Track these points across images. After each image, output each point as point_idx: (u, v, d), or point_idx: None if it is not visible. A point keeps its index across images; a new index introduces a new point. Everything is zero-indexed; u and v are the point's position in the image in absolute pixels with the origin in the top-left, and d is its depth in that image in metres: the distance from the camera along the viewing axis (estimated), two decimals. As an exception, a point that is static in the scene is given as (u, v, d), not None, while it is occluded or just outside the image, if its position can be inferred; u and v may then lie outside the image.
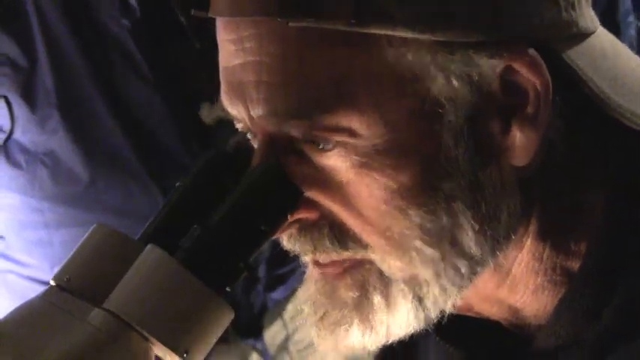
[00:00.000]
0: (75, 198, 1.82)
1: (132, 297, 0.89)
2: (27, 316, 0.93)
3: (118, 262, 0.92)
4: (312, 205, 0.91)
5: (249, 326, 1.92)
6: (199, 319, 0.89)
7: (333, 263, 0.93)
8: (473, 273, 0.90)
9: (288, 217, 0.92)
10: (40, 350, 0.88)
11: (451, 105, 0.85)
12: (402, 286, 0.90)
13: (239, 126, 0.95)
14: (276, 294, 2.03)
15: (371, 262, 0.91)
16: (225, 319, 0.91)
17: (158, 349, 0.89)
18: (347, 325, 0.93)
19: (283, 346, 2.06)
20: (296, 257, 1.01)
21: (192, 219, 0.94)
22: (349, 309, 0.92)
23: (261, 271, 1.95)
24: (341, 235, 0.90)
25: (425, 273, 0.89)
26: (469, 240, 0.88)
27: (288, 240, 0.95)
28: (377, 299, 0.91)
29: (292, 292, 2.08)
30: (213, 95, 1.75)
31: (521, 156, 0.88)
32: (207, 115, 1.83)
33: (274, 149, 0.91)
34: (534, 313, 0.95)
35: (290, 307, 2.07)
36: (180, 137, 1.82)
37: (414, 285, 0.89)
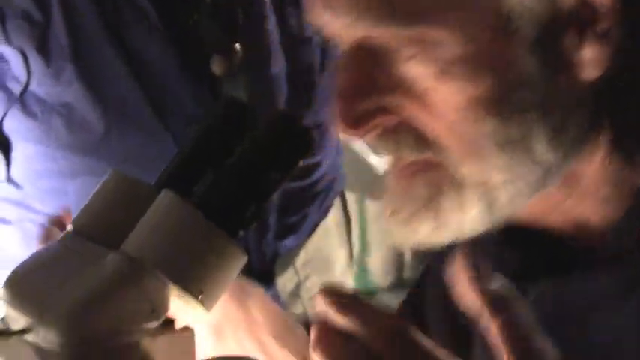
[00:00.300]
0: (89, 147, 1.82)
1: (147, 240, 0.90)
2: (44, 260, 0.94)
3: (133, 207, 0.93)
4: (393, 111, 0.92)
5: (261, 273, 1.92)
6: (213, 262, 0.90)
7: (410, 165, 0.94)
8: (543, 182, 0.92)
9: (300, 163, 0.93)
10: (58, 293, 0.89)
11: (525, 17, 0.87)
12: (474, 189, 0.92)
13: (324, 34, 0.96)
14: (288, 242, 2.03)
15: (446, 166, 0.92)
16: (239, 263, 0.92)
17: (173, 291, 0.90)
18: (419, 220, 0.95)
19: (295, 293, 2.06)
20: (306, 206, 1.02)
21: (205, 166, 0.96)
22: (422, 205, 0.94)
23: (272, 220, 1.95)
24: (419, 140, 0.92)
25: (496, 178, 0.91)
26: (541, 149, 0.90)
27: (371, 140, 0.95)
28: (449, 199, 0.93)
29: (303, 240, 2.08)
30: (225, 47, 1.75)
31: (592, 70, 0.90)
32: (218, 67, 1.84)
33: (358, 58, 0.92)
34: (598, 224, 0.97)
35: (302, 255, 2.07)
36: (192, 89, 1.82)
37: (486, 189, 0.92)
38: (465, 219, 0.93)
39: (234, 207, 0.92)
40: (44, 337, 0.88)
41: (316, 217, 2.13)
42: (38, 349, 0.88)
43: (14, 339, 0.91)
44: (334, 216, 2.24)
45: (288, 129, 0.95)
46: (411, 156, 0.94)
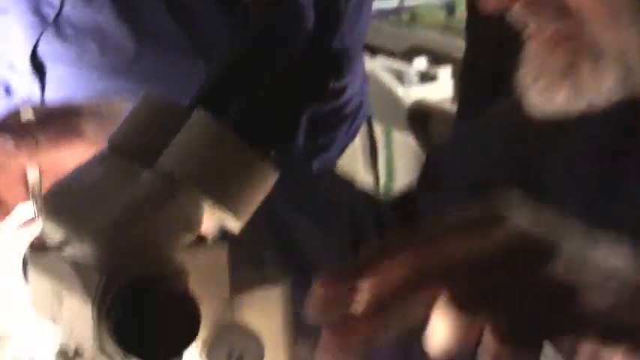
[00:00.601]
0: (122, 69, 1.83)
1: (181, 158, 0.90)
2: (81, 177, 0.94)
3: (166, 127, 0.93)
4: None
5: None
6: (246, 178, 0.90)
7: (551, 35, 0.95)
8: None
9: (331, 84, 0.93)
10: (94, 209, 0.90)
11: None
12: (612, 59, 0.92)
13: None
14: (316, 163, 2.04)
15: (585, 35, 0.93)
16: (270, 180, 0.92)
17: (207, 207, 0.90)
18: (556, 89, 0.95)
19: None
20: (335, 128, 1.02)
21: (237, 86, 0.95)
22: (560, 74, 0.95)
23: (301, 140, 1.96)
24: (560, 9, 0.92)
25: (635, 49, 0.91)
26: None
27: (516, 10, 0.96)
28: (587, 69, 0.94)
29: (331, 162, 2.09)
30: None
31: None
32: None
33: None
34: None
35: None
36: (223, 12, 1.82)
37: (623, 59, 0.92)
38: (602, 88, 0.93)
39: (265, 125, 0.92)
40: (79, 250, 0.88)
41: (344, 140, 2.13)
42: (74, 264, 0.89)
43: (51, 254, 0.92)
44: (361, 141, 2.25)
45: (318, 52, 0.94)
46: (551, 25, 0.94)
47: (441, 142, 2.38)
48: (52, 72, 1.88)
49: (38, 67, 1.88)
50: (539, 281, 0.76)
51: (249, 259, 1.15)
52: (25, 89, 1.90)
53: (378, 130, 2.60)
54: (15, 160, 1.17)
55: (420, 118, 2.65)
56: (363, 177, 2.26)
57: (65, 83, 1.88)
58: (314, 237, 1.29)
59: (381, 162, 2.60)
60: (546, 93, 0.97)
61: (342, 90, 2.05)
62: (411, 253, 0.79)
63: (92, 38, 1.80)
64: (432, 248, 0.80)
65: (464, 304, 0.75)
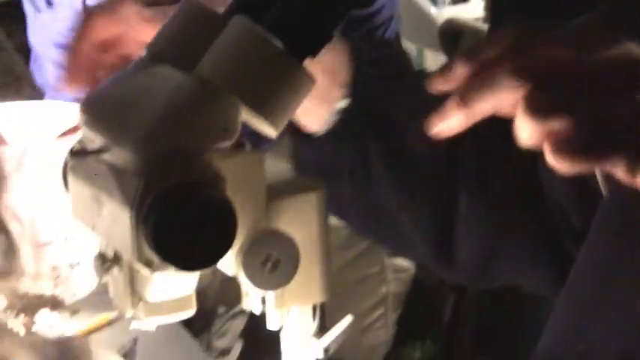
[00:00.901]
0: None
1: (220, 64, 0.89)
2: (120, 83, 0.94)
3: (206, 33, 0.92)
4: None
5: None
6: (283, 85, 0.89)
7: None
8: None
9: None
10: (132, 113, 0.89)
11: None
12: None
13: None
14: None
15: None
16: (307, 88, 0.91)
17: (245, 113, 0.89)
18: None
19: None
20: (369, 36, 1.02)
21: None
22: None
23: None
24: None
25: None
26: None
27: None
28: None
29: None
30: None
31: None
32: None
33: None
34: None
35: None
36: None
37: None
38: None
39: (303, 32, 0.91)
40: (119, 155, 0.88)
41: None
42: (113, 168, 0.88)
43: (90, 158, 0.91)
44: None
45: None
46: None
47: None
48: None
49: None
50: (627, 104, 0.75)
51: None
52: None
53: (412, 49, 2.58)
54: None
55: (451, 36, 2.62)
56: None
57: None
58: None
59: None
60: None
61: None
62: (517, 46, 0.81)
63: None
64: (538, 49, 0.80)
65: (539, 108, 0.75)
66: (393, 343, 2.57)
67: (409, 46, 2.61)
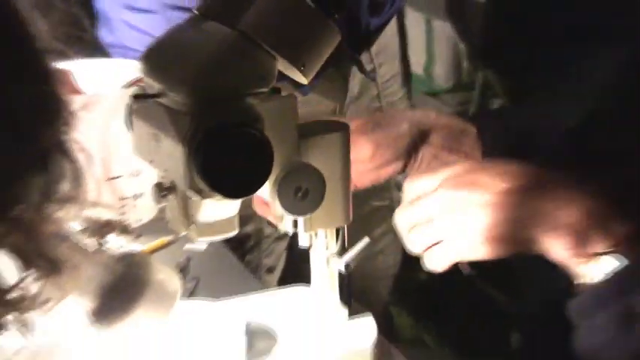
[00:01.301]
0: None
1: (260, 20, 0.88)
2: (173, 37, 0.93)
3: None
4: None
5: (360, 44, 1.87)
6: (314, 39, 0.89)
7: None
8: None
9: None
10: (184, 63, 0.88)
11: None
12: None
13: None
14: (374, 21, 1.96)
15: None
16: (334, 41, 0.90)
17: (280, 64, 0.88)
18: None
19: (369, 79, 2.00)
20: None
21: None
22: None
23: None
24: None
25: None
26: None
27: None
28: None
29: (385, 23, 2.01)
30: None
31: None
32: None
33: None
34: None
35: (376, 45, 2.00)
36: None
37: None
38: None
39: None
40: (173, 99, 0.87)
41: (389, 13, 2.04)
42: (168, 109, 0.87)
43: (149, 101, 0.90)
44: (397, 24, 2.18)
45: None
46: None
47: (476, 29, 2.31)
48: None
49: None
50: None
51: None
52: None
53: (421, 19, 2.54)
54: None
55: (457, 7, 2.58)
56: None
57: None
58: None
59: (423, 46, 2.55)
60: None
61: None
62: None
63: None
64: None
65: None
66: (401, 266, 2.58)
67: (418, 16, 2.57)
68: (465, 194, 0.89)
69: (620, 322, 0.79)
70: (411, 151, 1.06)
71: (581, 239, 0.82)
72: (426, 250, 0.92)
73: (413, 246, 0.93)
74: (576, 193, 0.84)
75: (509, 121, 1.06)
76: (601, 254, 0.81)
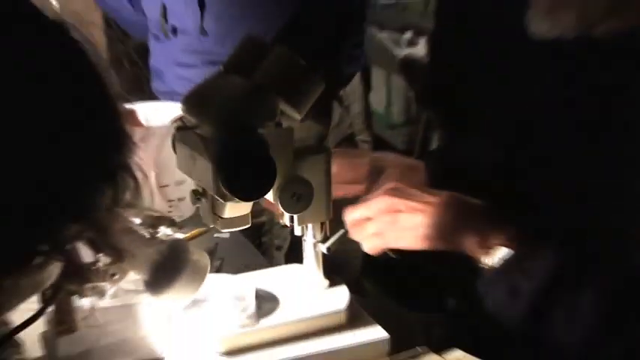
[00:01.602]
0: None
1: (268, 74, 0.87)
2: (206, 85, 0.91)
3: (259, 55, 0.89)
4: None
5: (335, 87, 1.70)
6: (306, 88, 0.88)
7: None
8: None
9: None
10: (213, 103, 0.87)
11: None
12: None
13: None
14: (351, 68, 1.79)
15: None
16: (320, 88, 0.89)
17: (281, 104, 0.87)
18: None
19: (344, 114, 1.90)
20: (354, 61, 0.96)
21: (304, 33, 0.91)
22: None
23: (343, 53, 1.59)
24: None
25: None
26: None
27: None
28: None
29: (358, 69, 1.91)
30: None
31: None
32: None
33: None
34: None
35: (348, 87, 1.88)
36: None
37: None
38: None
39: (316, 55, 0.88)
40: (205, 130, 0.86)
41: (356, 68, 1.91)
42: (201, 137, 0.86)
43: (188, 132, 0.89)
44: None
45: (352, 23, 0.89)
46: None
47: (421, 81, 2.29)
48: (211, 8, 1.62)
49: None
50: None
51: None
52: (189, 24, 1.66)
53: (383, 74, 2.52)
54: None
55: (407, 66, 2.58)
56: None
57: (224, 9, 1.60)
58: None
59: (384, 92, 2.54)
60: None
61: (360, 41, 1.91)
62: None
63: None
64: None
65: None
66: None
67: (381, 71, 2.55)
68: (398, 201, 0.91)
69: (509, 292, 0.82)
70: (370, 178, 1.04)
71: (483, 238, 0.85)
72: (364, 238, 0.94)
73: (355, 236, 0.95)
74: (482, 208, 0.88)
75: (447, 159, 1.06)
76: (496, 247, 0.84)
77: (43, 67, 0.55)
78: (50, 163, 0.54)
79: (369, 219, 0.93)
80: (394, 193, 0.92)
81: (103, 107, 0.59)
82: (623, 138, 0.81)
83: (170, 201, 1.38)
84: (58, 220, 0.56)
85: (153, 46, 1.78)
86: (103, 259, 0.63)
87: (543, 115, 0.90)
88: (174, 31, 1.68)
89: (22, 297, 0.60)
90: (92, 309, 0.89)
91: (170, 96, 1.65)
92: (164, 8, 1.67)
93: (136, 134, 0.66)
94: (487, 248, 0.85)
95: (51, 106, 0.55)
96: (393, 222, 0.91)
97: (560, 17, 0.79)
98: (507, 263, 0.83)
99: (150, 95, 1.77)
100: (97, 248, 0.62)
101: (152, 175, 1.34)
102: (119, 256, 0.63)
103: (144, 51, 1.87)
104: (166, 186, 1.37)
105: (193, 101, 0.89)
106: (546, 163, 0.89)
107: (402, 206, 0.90)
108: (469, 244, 0.86)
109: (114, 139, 0.60)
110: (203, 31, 1.63)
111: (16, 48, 0.54)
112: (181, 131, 0.91)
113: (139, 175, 0.63)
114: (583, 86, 0.86)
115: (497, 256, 0.84)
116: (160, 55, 1.76)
